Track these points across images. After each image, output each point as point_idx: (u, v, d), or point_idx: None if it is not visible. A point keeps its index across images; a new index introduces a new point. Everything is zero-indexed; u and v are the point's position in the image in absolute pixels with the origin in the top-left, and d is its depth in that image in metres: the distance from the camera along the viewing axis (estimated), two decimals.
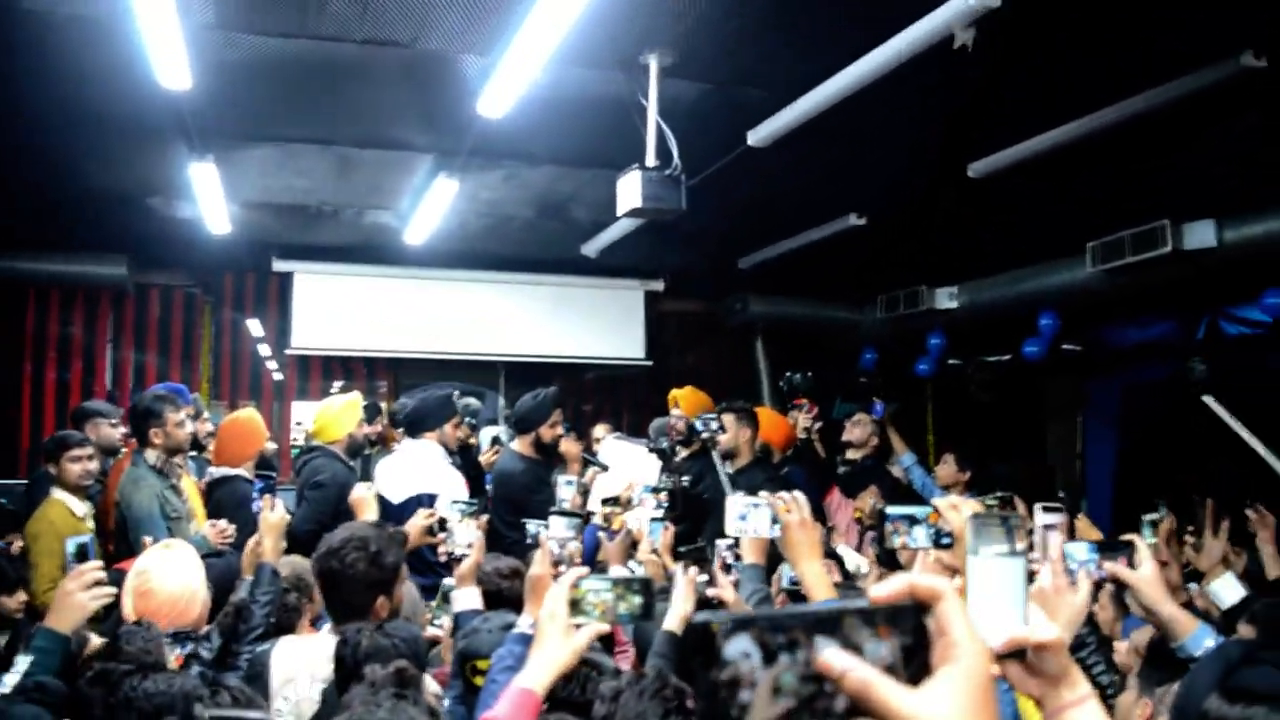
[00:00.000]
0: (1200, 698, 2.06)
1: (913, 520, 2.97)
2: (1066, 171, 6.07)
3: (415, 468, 5.69)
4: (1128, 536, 2.94)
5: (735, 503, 3.52)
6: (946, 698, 0.83)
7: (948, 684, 0.84)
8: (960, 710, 0.83)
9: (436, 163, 6.44)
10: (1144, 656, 2.67)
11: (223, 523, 4.94)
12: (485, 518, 5.66)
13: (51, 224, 7.78)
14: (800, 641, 0.82)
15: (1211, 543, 4.18)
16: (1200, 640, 2.55)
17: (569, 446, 6.00)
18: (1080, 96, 5.18)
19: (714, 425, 5.91)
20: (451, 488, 5.38)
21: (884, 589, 0.87)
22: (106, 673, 2.60)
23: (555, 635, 1.98)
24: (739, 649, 0.81)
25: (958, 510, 2.56)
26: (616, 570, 4.17)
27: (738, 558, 3.77)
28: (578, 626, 2.04)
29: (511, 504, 5.87)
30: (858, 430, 7.07)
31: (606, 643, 3.99)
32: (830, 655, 0.81)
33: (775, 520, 3.31)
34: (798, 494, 3.21)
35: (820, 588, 2.93)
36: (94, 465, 5.34)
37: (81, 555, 3.16)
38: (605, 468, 6.23)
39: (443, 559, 3.71)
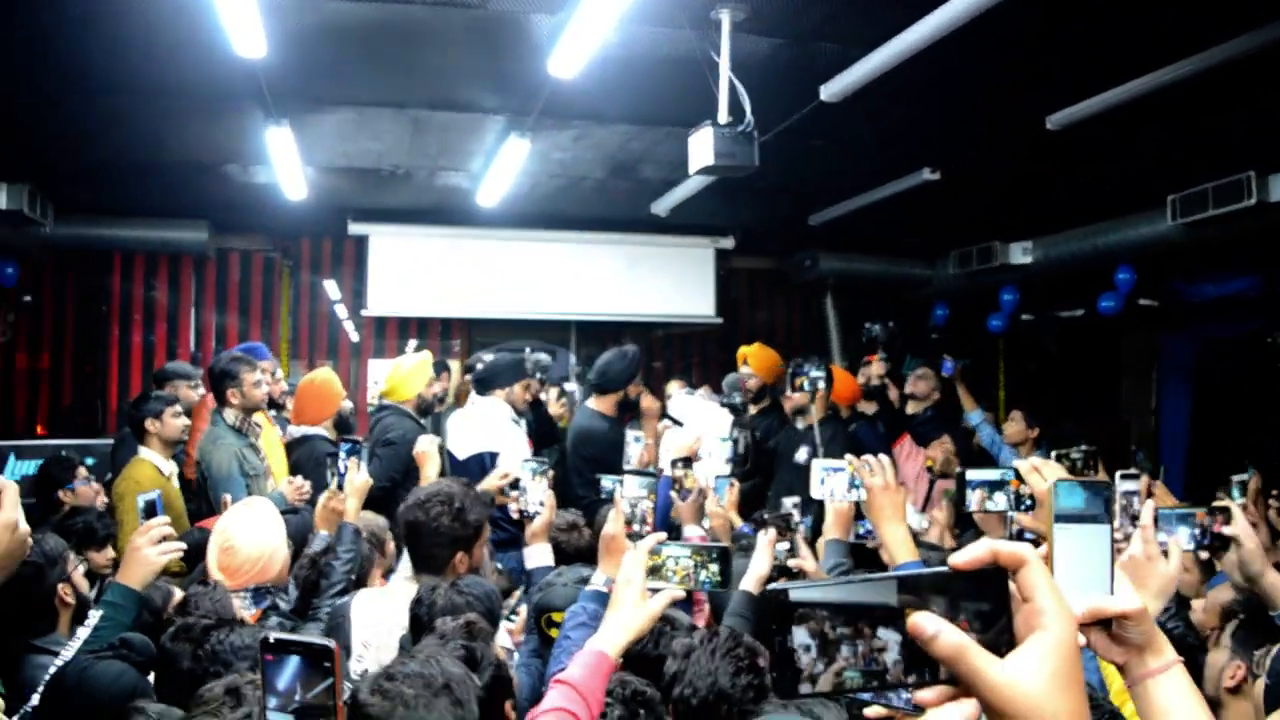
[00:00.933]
0: None
1: (994, 486, 2.97)
2: (1147, 123, 5.93)
3: (481, 426, 5.79)
4: (1223, 502, 2.90)
5: (818, 466, 3.53)
6: (1037, 667, 0.83)
7: (1037, 653, 0.84)
8: (1052, 679, 0.83)
9: (508, 124, 6.48)
10: (1240, 620, 2.64)
11: (299, 479, 5.06)
12: (551, 474, 5.77)
13: (135, 192, 8.00)
14: (865, 633, 0.85)
15: None
16: None
17: (649, 402, 6.03)
18: (1163, 44, 5.03)
19: (819, 381, 5.86)
20: (513, 447, 5.47)
21: (965, 555, 0.87)
22: (188, 627, 2.67)
23: (631, 600, 2.01)
24: (800, 641, 0.85)
25: (1039, 473, 2.53)
26: (690, 529, 4.21)
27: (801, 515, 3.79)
28: (654, 591, 2.07)
29: (595, 463, 5.86)
30: (922, 384, 7.05)
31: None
32: (923, 619, 0.83)
33: (856, 483, 3.32)
34: (883, 457, 3.19)
35: (902, 552, 2.92)
36: (187, 421, 5.52)
37: (150, 511, 3.21)
38: (679, 423, 6.27)
39: (515, 516, 3.78)
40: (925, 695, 0.86)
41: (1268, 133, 6.11)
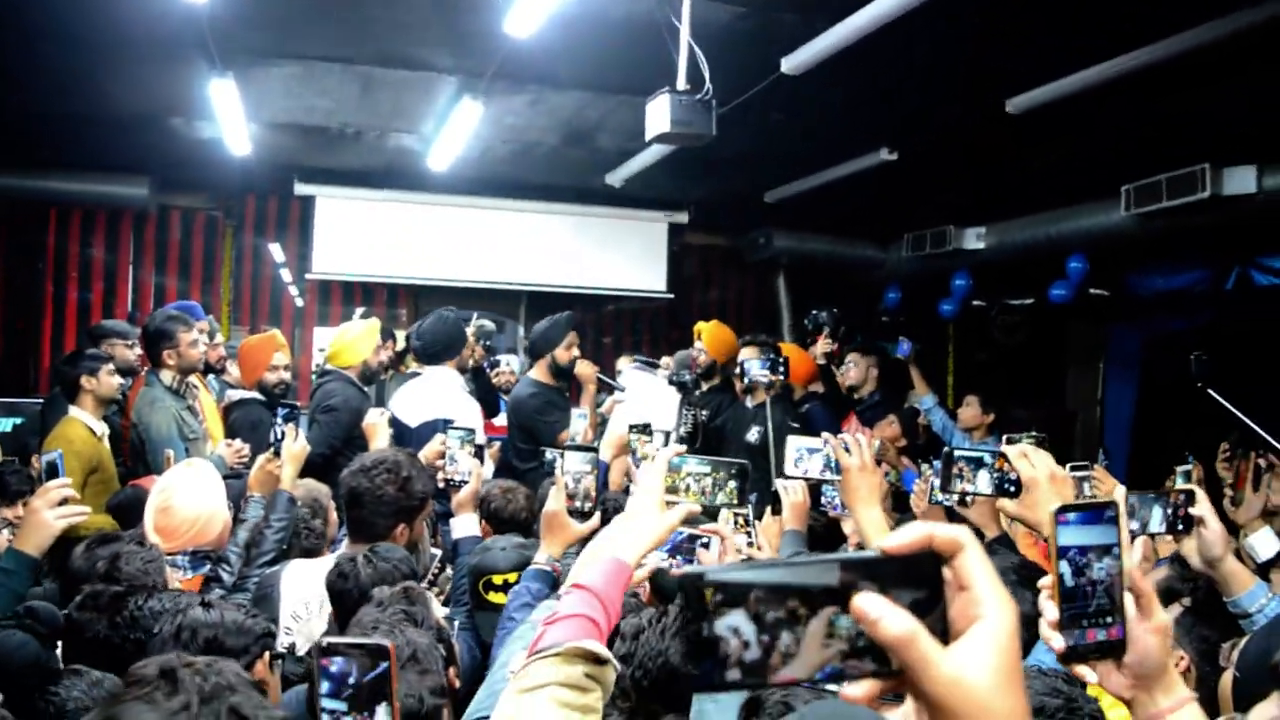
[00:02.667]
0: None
1: (979, 464, 2.89)
2: (1106, 110, 5.94)
3: (432, 393, 5.68)
4: (1185, 486, 2.87)
5: (793, 444, 3.46)
6: (983, 660, 0.78)
7: (981, 645, 0.79)
8: (996, 674, 0.78)
9: (461, 84, 6.34)
10: (1185, 606, 2.61)
11: (238, 443, 4.93)
12: (496, 446, 5.70)
13: (73, 144, 7.73)
14: (801, 615, 0.78)
15: (1250, 497, 4.12)
16: (1256, 597, 2.53)
17: (584, 368, 5.94)
18: (1125, 32, 5.03)
19: (779, 370, 5.74)
20: (466, 415, 5.37)
21: (898, 539, 0.81)
22: (96, 594, 2.56)
23: (650, 509, 1.91)
24: (729, 625, 0.78)
25: (1028, 460, 2.47)
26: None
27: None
28: (671, 504, 1.98)
29: (522, 430, 5.93)
30: (853, 372, 6.97)
31: None
32: (867, 600, 0.77)
33: (831, 463, 3.25)
34: (860, 436, 3.13)
35: (877, 534, 2.83)
36: (121, 380, 5.35)
37: (51, 472, 3.10)
38: (620, 389, 6.20)
39: (441, 485, 3.69)
40: (852, 692, 0.80)
41: (1223, 126, 6.15)
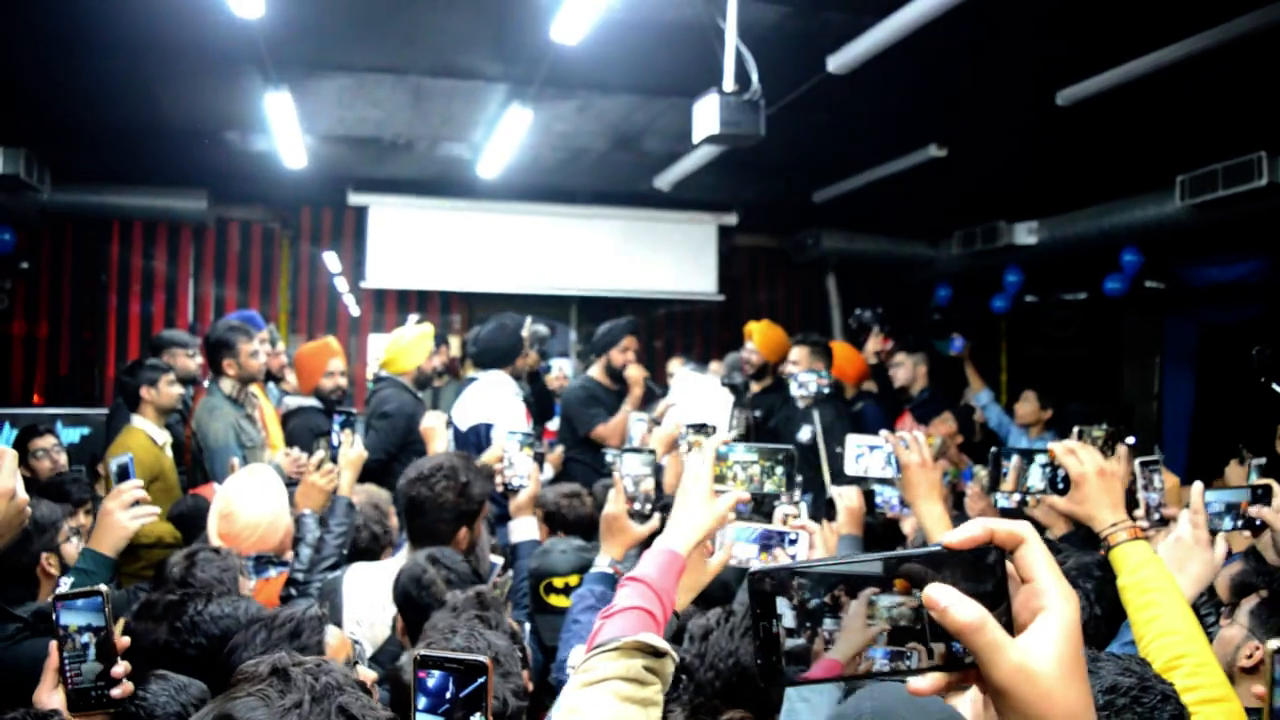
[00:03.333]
0: None
1: (1030, 459, 2.89)
2: (1158, 100, 5.86)
3: (481, 398, 5.76)
4: (1260, 481, 2.85)
5: (853, 442, 3.47)
6: (1050, 650, 0.79)
7: (1048, 635, 0.80)
8: (1061, 664, 0.79)
9: (510, 92, 6.40)
10: (1261, 598, 2.60)
11: (296, 451, 5.01)
12: (558, 451, 5.76)
13: (133, 158, 7.91)
14: (843, 601, 0.82)
15: None
16: None
17: (633, 372, 6.00)
18: (1175, 19, 4.97)
19: (823, 381, 5.81)
20: (509, 419, 5.44)
21: (960, 533, 0.83)
22: (151, 604, 2.57)
23: (699, 498, 1.93)
24: (787, 626, 0.82)
25: (1076, 456, 2.47)
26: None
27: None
28: (719, 493, 2.00)
29: (565, 420, 6.10)
30: (901, 372, 6.91)
31: None
32: (938, 590, 0.79)
33: (891, 460, 3.27)
34: (918, 434, 3.12)
35: (938, 530, 2.84)
36: (182, 390, 5.45)
37: (122, 474, 3.13)
38: (662, 394, 6.27)
39: (499, 489, 3.73)
40: (919, 684, 0.82)
41: (1279, 112, 6.04)
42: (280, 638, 2.23)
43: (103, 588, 1.98)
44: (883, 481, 3.74)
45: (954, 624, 0.79)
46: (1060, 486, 2.44)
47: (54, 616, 1.96)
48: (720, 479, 2.27)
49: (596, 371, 6.11)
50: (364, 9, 5.24)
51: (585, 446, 5.83)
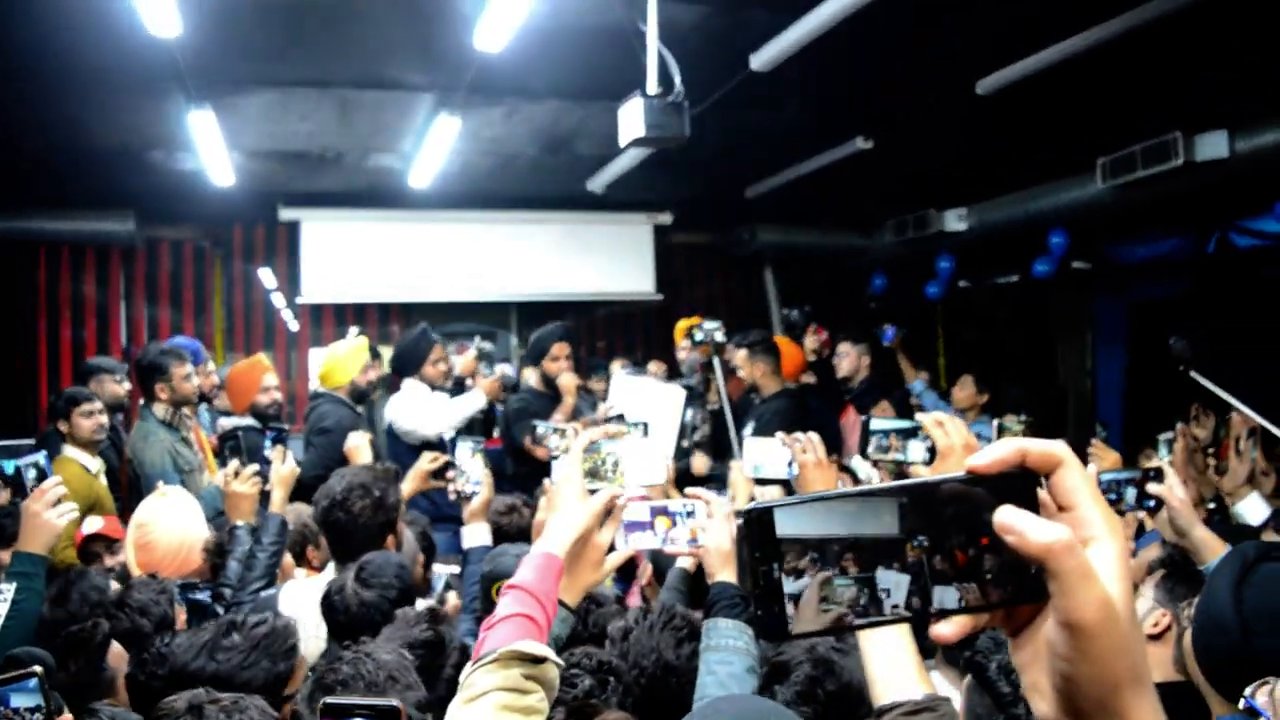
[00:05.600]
0: (1220, 595, 2.09)
1: (907, 434, 2.97)
2: (1075, 85, 5.98)
3: (393, 404, 5.98)
4: (1155, 463, 2.96)
5: (752, 444, 3.51)
6: (1115, 585, 0.69)
7: (1107, 569, 0.69)
8: (1128, 601, 0.70)
9: (437, 101, 6.39)
10: (1165, 572, 2.70)
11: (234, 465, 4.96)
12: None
13: (57, 182, 7.77)
14: (850, 569, 0.73)
15: (1236, 464, 4.18)
16: None
17: (565, 380, 6.03)
18: (1089, 5, 5.08)
19: (714, 333, 5.90)
20: (407, 419, 5.77)
21: (986, 455, 0.73)
22: (81, 641, 2.59)
23: (571, 498, 1.94)
24: (794, 585, 0.73)
25: (943, 428, 2.53)
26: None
27: None
28: (593, 492, 2.02)
29: (507, 434, 6.16)
30: (845, 362, 7.04)
31: (626, 570, 4.04)
32: (1006, 513, 0.69)
33: (791, 461, 3.31)
34: (812, 435, 3.18)
35: None
36: (104, 419, 5.35)
37: (40, 475, 3.15)
38: (596, 401, 6.34)
39: (452, 497, 3.72)
40: (943, 629, 0.74)
41: (1194, 93, 6.19)
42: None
43: (38, 669, 1.99)
44: (778, 482, 3.75)
45: (1036, 547, 0.68)
46: (926, 458, 2.52)
47: None
48: (595, 474, 2.26)
49: (534, 380, 6.14)
50: (285, 24, 5.20)
51: (524, 458, 5.85)
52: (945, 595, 0.73)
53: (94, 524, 4.37)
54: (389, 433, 5.99)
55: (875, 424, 2.93)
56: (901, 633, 1.98)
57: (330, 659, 2.21)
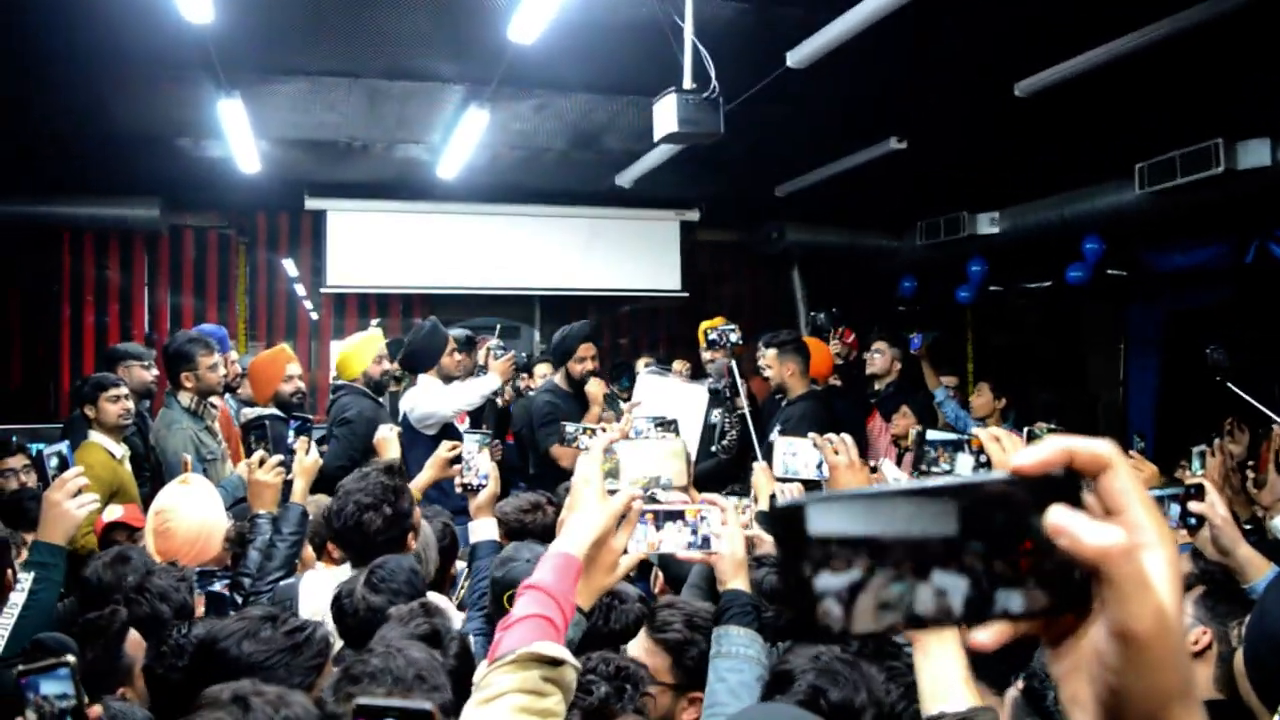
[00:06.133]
0: (1275, 614, 2.06)
1: (956, 446, 2.90)
2: (1116, 89, 5.88)
3: (406, 396, 5.96)
4: (1195, 480, 2.89)
5: (783, 444, 3.45)
6: (1169, 595, 0.65)
7: (1160, 578, 0.65)
8: (1180, 612, 0.66)
9: (467, 93, 6.33)
10: (1206, 589, 2.63)
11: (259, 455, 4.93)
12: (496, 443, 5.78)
13: (82, 167, 7.78)
14: (909, 579, 0.68)
15: (1274, 479, 4.10)
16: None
17: (593, 387, 5.96)
18: (1130, 9, 4.98)
19: (730, 334, 5.84)
20: (424, 406, 5.72)
21: (1031, 455, 0.69)
22: (99, 628, 2.57)
23: (590, 499, 1.90)
24: (827, 585, 0.68)
25: (999, 443, 2.46)
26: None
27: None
28: (613, 492, 1.97)
29: (528, 432, 6.12)
30: (879, 360, 7.02)
31: (641, 569, 3.97)
32: (1059, 514, 0.65)
33: (821, 463, 3.25)
34: (845, 436, 3.14)
35: None
36: (131, 405, 5.31)
37: (62, 464, 3.14)
38: (615, 412, 6.26)
39: (459, 490, 3.67)
40: (982, 637, 0.69)
41: (1235, 99, 6.09)
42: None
43: (70, 659, 1.97)
44: (806, 483, 3.69)
45: (1092, 550, 0.64)
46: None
47: (21, 688, 1.94)
48: (614, 475, 2.22)
49: (560, 379, 6.08)
50: (317, 13, 5.15)
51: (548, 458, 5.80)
52: (1009, 599, 0.68)
53: (114, 512, 4.33)
54: (404, 424, 5.94)
55: (930, 435, 2.86)
56: (951, 643, 1.93)
57: (362, 654, 2.17)
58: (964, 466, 2.99)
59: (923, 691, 1.94)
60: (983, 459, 2.60)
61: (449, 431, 5.67)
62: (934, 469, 2.81)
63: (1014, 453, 2.39)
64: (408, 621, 2.39)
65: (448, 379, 5.96)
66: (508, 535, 3.85)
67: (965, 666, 1.95)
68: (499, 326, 6.60)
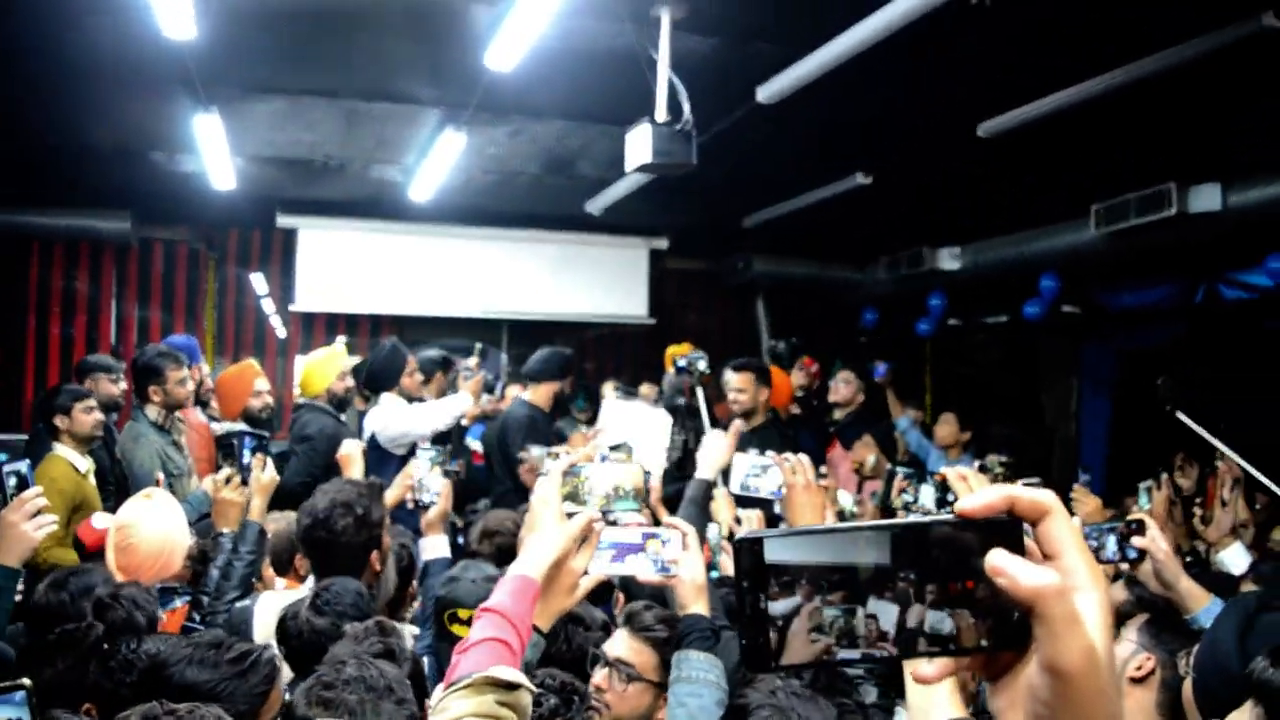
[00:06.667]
0: (1224, 644, 2.15)
1: (920, 478, 3.00)
2: (1075, 133, 6.06)
3: (369, 416, 5.94)
4: (1137, 515, 3.01)
5: (742, 462, 3.52)
6: (1099, 635, 0.70)
7: (1091, 619, 0.70)
8: (1109, 651, 0.71)
9: (443, 116, 6.41)
10: (1149, 617, 2.73)
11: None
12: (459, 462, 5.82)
13: (54, 177, 7.75)
14: (851, 597, 0.74)
15: (1220, 514, 4.22)
16: (1214, 613, 2.62)
17: (577, 438, 6.02)
18: (1091, 57, 5.16)
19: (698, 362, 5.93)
20: (387, 425, 5.72)
21: (977, 500, 0.74)
22: (73, 640, 2.56)
23: (549, 521, 1.92)
24: (777, 611, 0.74)
25: (966, 482, 2.56)
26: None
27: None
28: (571, 516, 2.00)
29: (500, 444, 6.08)
30: (844, 389, 7.14)
31: (603, 592, 4.01)
32: (998, 556, 0.71)
33: (780, 482, 3.32)
34: (803, 456, 3.17)
35: None
36: (100, 417, 5.29)
37: (21, 484, 3.06)
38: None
39: (410, 506, 3.71)
40: (927, 670, 0.75)
41: (1188, 146, 6.27)
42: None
43: (27, 681, 1.94)
44: (764, 502, 3.74)
45: (1027, 590, 0.69)
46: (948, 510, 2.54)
47: None
48: (574, 497, 2.25)
49: (534, 395, 6.13)
50: (299, 33, 5.22)
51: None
52: (939, 620, 0.73)
53: (103, 520, 4.31)
54: (371, 444, 5.96)
55: (900, 469, 2.96)
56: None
57: (334, 663, 2.18)
58: (926, 497, 3.10)
59: (911, 705, 1.97)
60: (950, 497, 2.69)
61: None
62: (901, 498, 2.91)
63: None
64: (362, 640, 2.38)
65: (409, 399, 6.00)
66: (501, 556, 3.86)
67: (954, 680, 2.02)
68: (479, 346, 6.63)
